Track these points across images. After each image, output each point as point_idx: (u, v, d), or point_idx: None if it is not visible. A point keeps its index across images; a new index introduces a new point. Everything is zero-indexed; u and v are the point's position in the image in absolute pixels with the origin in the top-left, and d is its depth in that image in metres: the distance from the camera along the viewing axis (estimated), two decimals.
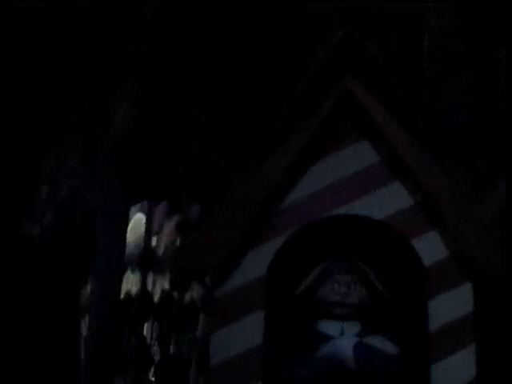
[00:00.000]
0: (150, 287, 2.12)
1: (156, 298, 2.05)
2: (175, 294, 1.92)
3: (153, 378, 1.83)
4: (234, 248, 1.59)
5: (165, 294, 1.97)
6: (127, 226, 2.31)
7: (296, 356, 1.61)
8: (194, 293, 1.89)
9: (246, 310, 1.58)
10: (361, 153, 1.65)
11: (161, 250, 2.21)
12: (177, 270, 1.68)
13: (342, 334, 1.63)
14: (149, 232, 2.14)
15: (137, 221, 2.45)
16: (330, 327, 1.64)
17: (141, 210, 2.49)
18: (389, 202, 1.63)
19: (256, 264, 1.60)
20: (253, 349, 1.56)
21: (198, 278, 1.63)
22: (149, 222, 2.25)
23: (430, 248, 1.60)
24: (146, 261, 2.13)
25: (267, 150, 1.65)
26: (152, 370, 1.85)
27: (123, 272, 2.19)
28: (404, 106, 1.71)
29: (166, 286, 1.94)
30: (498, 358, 1.66)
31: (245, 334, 1.57)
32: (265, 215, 1.61)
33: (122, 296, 2.16)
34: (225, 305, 1.59)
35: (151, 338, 1.94)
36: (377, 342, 1.63)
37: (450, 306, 1.58)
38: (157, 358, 1.89)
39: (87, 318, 2.31)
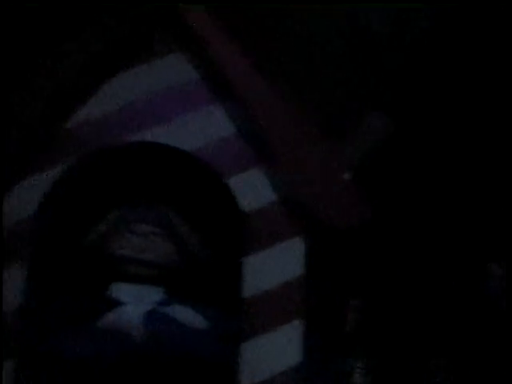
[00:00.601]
0: None
1: None
2: None
3: None
4: None
5: None
6: None
7: (70, 326, 1.22)
8: None
9: (3, 261, 1.19)
10: (173, 67, 1.27)
11: None
12: None
13: (138, 300, 1.25)
14: None
15: None
16: (122, 291, 1.26)
17: None
18: (203, 129, 1.24)
19: (21, 202, 1.22)
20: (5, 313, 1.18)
21: None
22: None
23: (251, 190, 1.22)
24: None
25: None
26: None
27: None
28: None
29: None
30: (331, 338, 1.28)
31: None
32: (39, 139, 1.23)
33: None
34: None
35: None
36: (179, 312, 1.24)
37: (273, 266, 1.19)
38: None
39: None
